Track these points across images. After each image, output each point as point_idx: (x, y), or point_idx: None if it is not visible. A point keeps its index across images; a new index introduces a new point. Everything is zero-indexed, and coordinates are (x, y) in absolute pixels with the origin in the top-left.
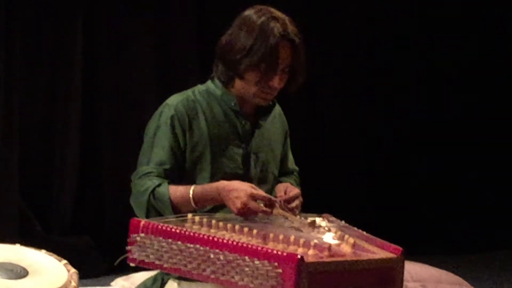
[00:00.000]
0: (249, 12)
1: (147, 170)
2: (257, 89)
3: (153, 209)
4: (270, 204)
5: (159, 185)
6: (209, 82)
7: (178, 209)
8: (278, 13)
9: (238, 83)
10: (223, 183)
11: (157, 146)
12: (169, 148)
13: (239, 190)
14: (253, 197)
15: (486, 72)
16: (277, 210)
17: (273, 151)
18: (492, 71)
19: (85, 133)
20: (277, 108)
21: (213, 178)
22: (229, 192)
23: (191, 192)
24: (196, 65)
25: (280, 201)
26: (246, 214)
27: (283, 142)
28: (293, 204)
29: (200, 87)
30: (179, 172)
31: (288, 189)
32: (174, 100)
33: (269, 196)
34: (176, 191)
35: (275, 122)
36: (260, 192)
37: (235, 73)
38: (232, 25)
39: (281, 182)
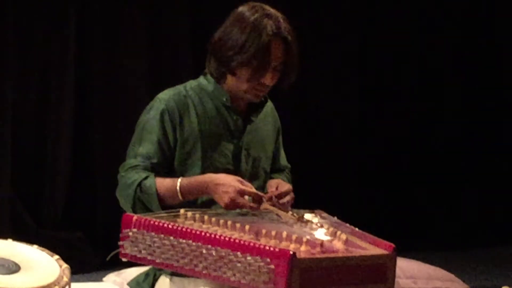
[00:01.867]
0: (242, 9)
1: (134, 163)
2: (248, 85)
3: (140, 202)
4: (257, 200)
5: (145, 178)
6: (201, 78)
7: (164, 202)
8: (271, 10)
9: (230, 79)
10: (210, 177)
11: (145, 140)
12: (157, 143)
13: (227, 185)
14: (241, 193)
15: (486, 70)
16: (265, 205)
17: (264, 147)
18: (492, 70)
19: (77, 128)
20: (269, 105)
21: (205, 173)
22: (216, 186)
23: (178, 184)
24: (189, 60)
25: (272, 197)
26: (234, 208)
27: (275, 138)
28: (284, 200)
29: (192, 82)
30: (168, 167)
31: (280, 185)
32: (166, 95)
33: (256, 191)
34: (163, 183)
35: (267, 119)
36: (248, 188)
37: (227, 70)
38: (225, 21)
39: (272, 178)
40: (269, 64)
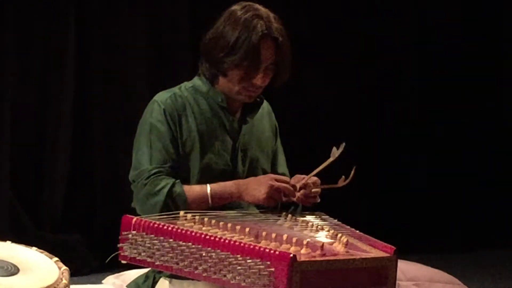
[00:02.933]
0: (234, 8)
1: (154, 170)
2: (240, 87)
3: (167, 210)
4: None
5: (173, 184)
6: (195, 79)
7: (192, 206)
8: (263, 10)
9: (222, 81)
10: (239, 180)
11: (155, 144)
12: (169, 144)
13: (258, 177)
14: (275, 179)
15: (485, 73)
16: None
17: (262, 147)
18: (491, 71)
19: (76, 129)
20: (266, 105)
21: (202, 174)
22: (249, 183)
23: (208, 189)
24: (188, 61)
25: (309, 184)
26: (274, 196)
27: (273, 139)
28: (318, 189)
29: (186, 84)
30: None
31: (306, 177)
32: (163, 97)
33: (285, 177)
34: (191, 189)
35: (264, 119)
36: (277, 176)
37: (218, 71)
38: (217, 21)
39: None
40: (260, 65)
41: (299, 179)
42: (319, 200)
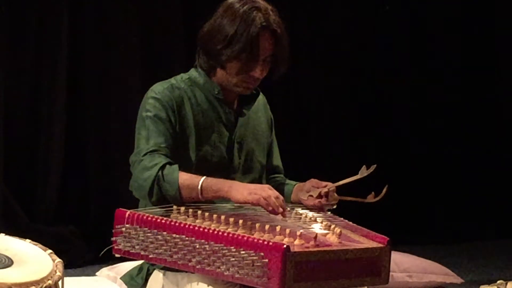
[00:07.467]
0: (232, 1)
1: (151, 148)
2: (238, 79)
3: (157, 187)
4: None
5: (169, 163)
6: (192, 70)
7: (182, 191)
8: (261, 3)
9: (219, 73)
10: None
11: (153, 128)
12: (166, 129)
13: (257, 184)
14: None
15: (483, 72)
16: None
17: (258, 139)
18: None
19: (69, 122)
20: (261, 98)
21: (198, 166)
22: (246, 184)
23: (202, 178)
24: (182, 54)
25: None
26: (260, 201)
27: (269, 131)
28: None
29: (183, 75)
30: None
31: (329, 185)
32: (160, 87)
33: (282, 198)
34: (184, 174)
35: (259, 111)
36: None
37: (216, 63)
38: (215, 13)
39: (273, 179)
40: (258, 57)
41: (317, 184)
42: (335, 207)
